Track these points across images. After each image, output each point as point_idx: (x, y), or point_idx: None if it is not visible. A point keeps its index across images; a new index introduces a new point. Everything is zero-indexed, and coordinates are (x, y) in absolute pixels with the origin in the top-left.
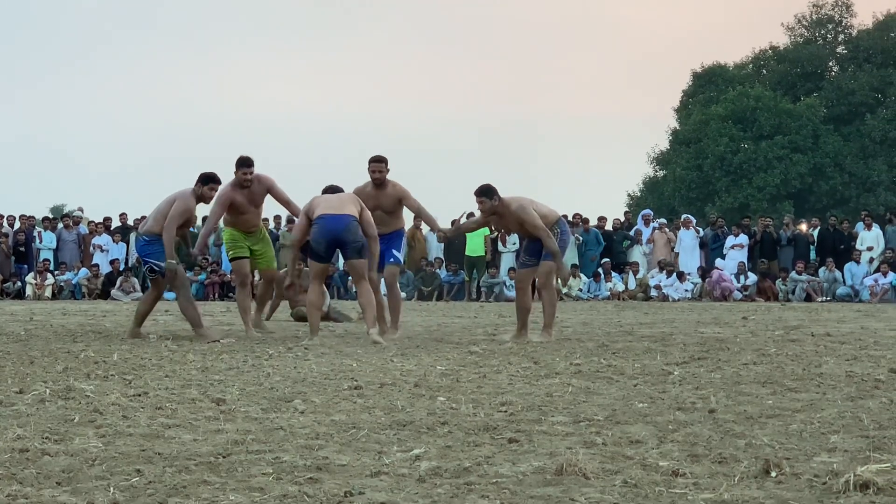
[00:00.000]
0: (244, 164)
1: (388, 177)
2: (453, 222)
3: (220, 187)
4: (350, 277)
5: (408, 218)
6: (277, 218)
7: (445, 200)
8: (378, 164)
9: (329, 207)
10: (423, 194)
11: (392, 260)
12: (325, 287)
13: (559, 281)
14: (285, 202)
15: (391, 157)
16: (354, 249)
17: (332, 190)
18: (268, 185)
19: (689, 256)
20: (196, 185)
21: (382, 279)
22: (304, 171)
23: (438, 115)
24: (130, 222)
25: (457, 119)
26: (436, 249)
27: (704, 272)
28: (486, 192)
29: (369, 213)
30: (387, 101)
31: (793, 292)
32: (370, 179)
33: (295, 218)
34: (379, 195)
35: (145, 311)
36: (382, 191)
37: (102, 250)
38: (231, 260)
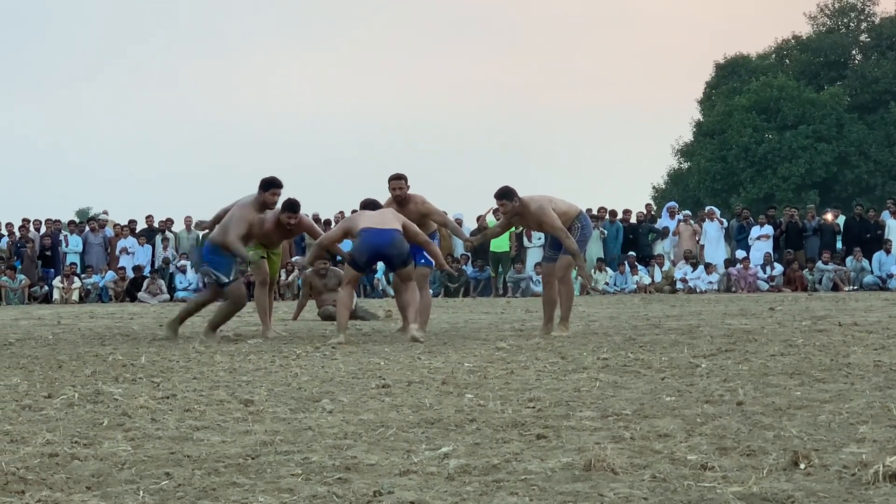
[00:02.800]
0: (274, 184)
1: (410, 191)
2: (478, 219)
3: (240, 206)
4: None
5: None
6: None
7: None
8: (398, 181)
9: (373, 222)
10: (446, 191)
11: (423, 261)
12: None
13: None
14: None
15: (413, 155)
16: (400, 261)
17: (371, 205)
18: (305, 227)
19: (715, 248)
20: (258, 191)
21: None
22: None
23: (460, 111)
24: (156, 224)
25: (479, 114)
26: (461, 246)
27: (729, 263)
28: (506, 195)
29: (411, 223)
30: (408, 97)
31: (819, 282)
32: (391, 197)
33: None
34: (402, 212)
35: (190, 312)
36: (405, 208)
37: (128, 253)
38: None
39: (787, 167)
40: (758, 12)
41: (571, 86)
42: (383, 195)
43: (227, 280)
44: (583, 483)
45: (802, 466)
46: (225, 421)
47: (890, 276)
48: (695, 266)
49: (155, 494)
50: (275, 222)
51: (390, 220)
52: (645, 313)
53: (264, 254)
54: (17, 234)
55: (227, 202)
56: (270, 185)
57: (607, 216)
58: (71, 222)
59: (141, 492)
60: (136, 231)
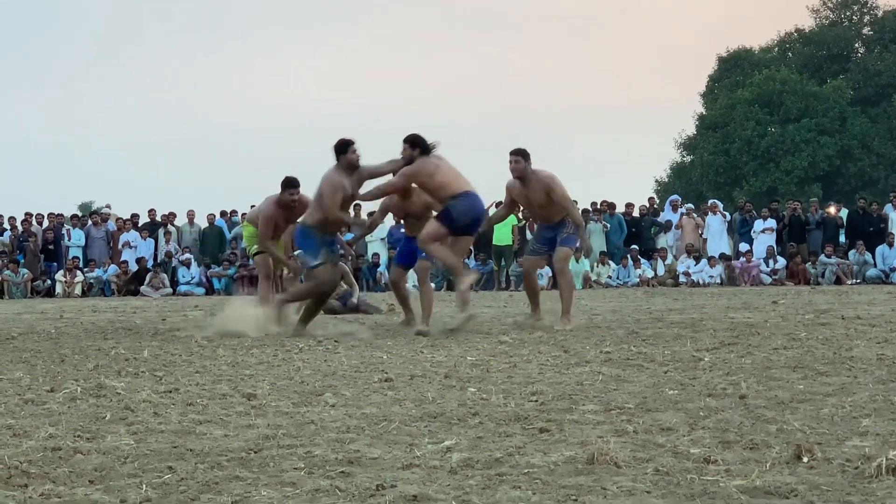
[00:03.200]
0: (291, 184)
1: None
2: None
3: (265, 205)
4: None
5: None
6: None
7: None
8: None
9: (468, 185)
10: None
11: (424, 255)
12: (353, 279)
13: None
14: None
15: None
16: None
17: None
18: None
19: (717, 241)
20: (281, 191)
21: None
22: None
23: (463, 105)
24: (158, 218)
25: (482, 109)
26: None
27: (724, 257)
28: (522, 153)
29: None
30: (412, 92)
31: (822, 275)
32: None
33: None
34: (407, 204)
35: (301, 299)
36: (409, 199)
37: (131, 247)
38: (254, 255)
39: (790, 160)
40: (760, 5)
41: (574, 80)
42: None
43: (314, 263)
44: (586, 476)
45: (805, 460)
46: (227, 415)
47: (893, 269)
48: (697, 259)
49: (157, 488)
50: (277, 204)
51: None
52: (648, 307)
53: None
54: (20, 228)
55: (228, 196)
56: (287, 186)
57: (607, 209)
58: (73, 216)
59: (143, 485)
60: (139, 225)
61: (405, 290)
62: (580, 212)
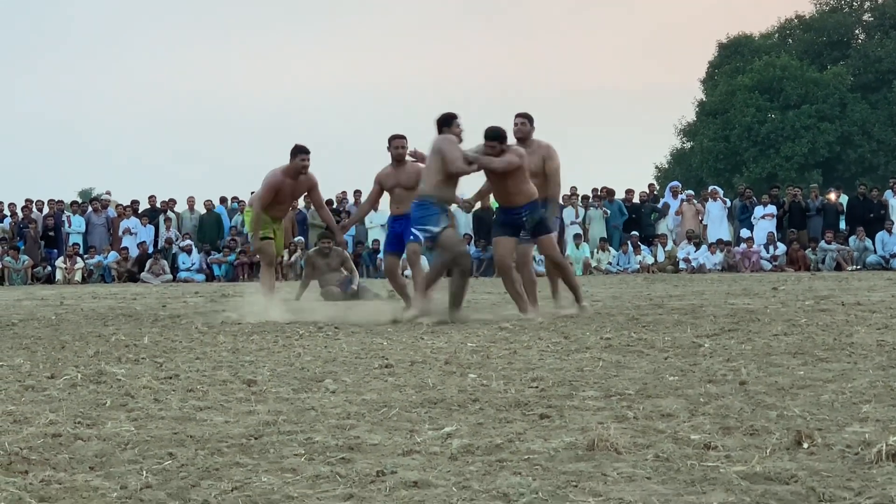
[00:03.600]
0: (302, 150)
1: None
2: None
3: (270, 174)
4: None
5: None
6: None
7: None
8: (401, 139)
9: None
10: None
11: (412, 237)
12: (353, 265)
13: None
14: (319, 205)
15: (418, 135)
16: None
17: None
18: (312, 182)
19: (717, 228)
20: (290, 159)
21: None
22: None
23: (462, 90)
24: (158, 205)
25: (483, 94)
26: (464, 226)
27: (722, 243)
28: (529, 117)
29: None
30: (411, 79)
31: (823, 262)
32: (392, 158)
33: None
34: (399, 173)
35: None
36: (402, 167)
37: (131, 233)
38: (261, 241)
39: (790, 147)
40: None
41: (574, 66)
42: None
43: (436, 229)
44: (586, 463)
45: (805, 446)
46: (228, 401)
47: (893, 255)
48: (697, 246)
49: (158, 474)
50: (284, 172)
51: None
52: (648, 293)
53: (271, 234)
54: (20, 214)
55: (228, 182)
56: (298, 152)
57: (605, 196)
58: (73, 203)
59: (144, 472)
60: (139, 211)
61: (401, 279)
62: (579, 198)
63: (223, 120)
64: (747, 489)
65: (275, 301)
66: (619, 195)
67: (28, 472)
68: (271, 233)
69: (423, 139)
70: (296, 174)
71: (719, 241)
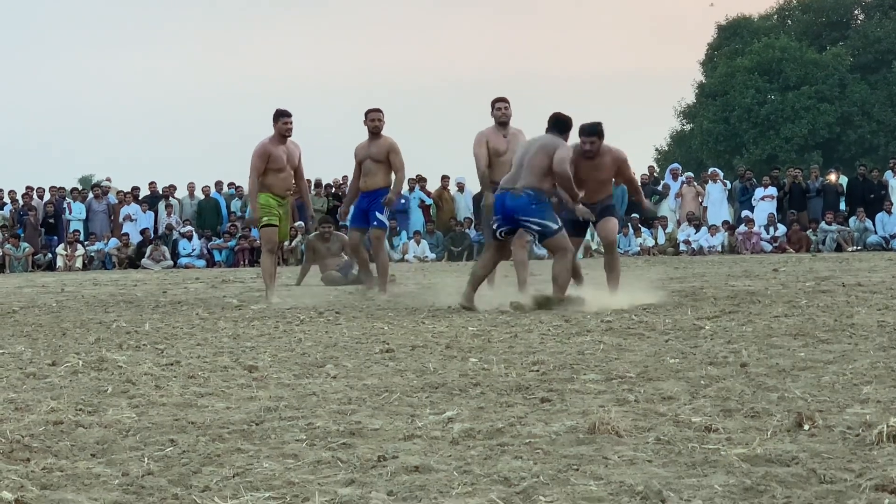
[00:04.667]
0: (284, 113)
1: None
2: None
3: (257, 144)
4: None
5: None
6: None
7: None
8: (378, 112)
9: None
10: (449, 157)
11: (376, 223)
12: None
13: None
14: (300, 176)
15: (416, 117)
16: None
17: None
18: (299, 151)
19: (718, 210)
20: (273, 124)
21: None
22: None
23: (461, 72)
24: (159, 191)
25: (481, 76)
26: (464, 209)
27: (732, 226)
28: (508, 101)
29: None
30: (414, 62)
31: (823, 243)
32: (368, 131)
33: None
34: (371, 145)
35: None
36: (376, 140)
37: (132, 219)
38: (262, 227)
39: (790, 128)
40: None
41: (574, 49)
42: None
43: (555, 227)
44: (587, 446)
45: (806, 427)
46: (229, 387)
47: (893, 236)
48: (698, 228)
49: (159, 461)
50: (270, 140)
51: None
52: (649, 275)
53: (276, 220)
54: (21, 201)
55: (228, 167)
56: (280, 115)
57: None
58: (74, 189)
59: (145, 458)
60: (140, 198)
61: (364, 253)
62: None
63: (223, 105)
64: (748, 471)
65: (274, 287)
66: None
67: (30, 460)
68: (276, 220)
69: (425, 124)
70: (282, 138)
71: (724, 223)
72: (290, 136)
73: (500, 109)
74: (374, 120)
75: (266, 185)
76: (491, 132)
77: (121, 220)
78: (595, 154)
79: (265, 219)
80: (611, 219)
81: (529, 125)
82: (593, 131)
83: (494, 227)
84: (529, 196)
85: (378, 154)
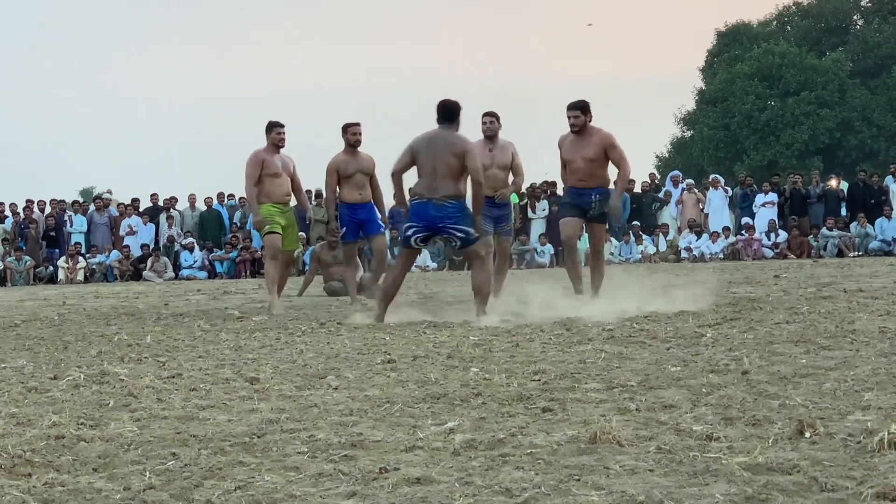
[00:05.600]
0: (276, 124)
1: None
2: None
3: (250, 154)
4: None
5: None
6: (308, 192)
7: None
8: (359, 126)
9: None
10: None
11: (381, 229)
12: (358, 260)
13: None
14: (298, 189)
15: (417, 123)
16: None
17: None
18: (293, 163)
19: (719, 216)
20: (267, 134)
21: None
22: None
23: (460, 82)
24: (160, 203)
25: (479, 82)
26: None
27: (731, 232)
28: (497, 115)
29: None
30: (406, 70)
31: (824, 248)
32: (347, 144)
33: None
34: (358, 159)
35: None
36: (359, 153)
37: (133, 231)
38: (264, 235)
39: (790, 134)
40: None
41: (573, 56)
42: (384, 172)
43: (476, 234)
44: (588, 456)
45: (808, 435)
46: (231, 399)
47: (895, 240)
48: (699, 234)
49: (161, 475)
50: (264, 150)
51: None
52: (650, 283)
53: (278, 228)
54: (22, 214)
55: (229, 179)
56: (273, 126)
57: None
58: (75, 202)
59: (147, 472)
60: (141, 210)
61: (358, 267)
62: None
63: (225, 118)
64: (749, 480)
65: (276, 296)
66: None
67: (31, 475)
68: (279, 227)
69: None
70: (275, 149)
71: (725, 229)
72: (282, 146)
73: (486, 124)
74: (355, 134)
75: (264, 193)
76: (479, 145)
77: (122, 232)
78: (580, 129)
79: (267, 227)
80: (600, 226)
81: (528, 131)
82: (577, 106)
83: (410, 233)
84: (453, 205)
85: (368, 167)
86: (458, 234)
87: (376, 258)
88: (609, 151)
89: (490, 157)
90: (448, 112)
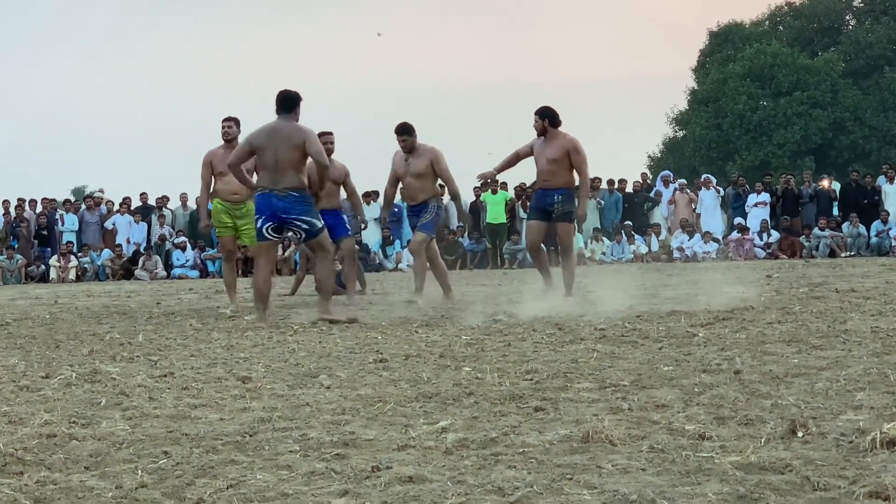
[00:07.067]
0: (227, 118)
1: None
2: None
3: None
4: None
5: None
6: None
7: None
8: (330, 135)
9: None
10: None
11: (348, 233)
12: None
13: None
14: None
15: (421, 122)
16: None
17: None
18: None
19: (711, 216)
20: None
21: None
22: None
23: (452, 82)
24: (153, 202)
25: (473, 82)
26: (457, 218)
27: (728, 232)
28: (409, 131)
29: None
30: (399, 70)
31: (816, 248)
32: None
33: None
34: (331, 168)
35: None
36: (334, 162)
37: (114, 227)
38: (217, 235)
39: (783, 134)
40: None
41: (566, 56)
42: (382, 172)
43: (320, 225)
44: (581, 455)
45: (800, 435)
46: (223, 398)
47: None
48: (691, 234)
49: (153, 473)
50: (218, 148)
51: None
52: (642, 282)
53: (229, 224)
54: (13, 213)
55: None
56: (223, 120)
57: (605, 185)
58: (66, 201)
59: (139, 471)
60: (132, 208)
61: (356, 265)
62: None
63: (216, 117)
64: (742, 479)
65: (233, 297)
66: (615, 184)
67: (23, 474)
68: (228, 227)
69: (420, 131)
70: (226, 143)
71: (708, 234)
72: (228, 139)
73: (400, 143)
74: (327, 143)
75: (215, 192)
76: (396, 156)
77: (109, 227)
78: (541, 133)
79: (217, 229)
80: (565, 225)
81: (522, 132)
82: (538, 111)
83: (259, 224)
84: (294, 197)
85: (339, 177)
86: (303, 227)
87: (347, 260)
88: (572, 155)
89: (405, 167)
90: (287, 102)
